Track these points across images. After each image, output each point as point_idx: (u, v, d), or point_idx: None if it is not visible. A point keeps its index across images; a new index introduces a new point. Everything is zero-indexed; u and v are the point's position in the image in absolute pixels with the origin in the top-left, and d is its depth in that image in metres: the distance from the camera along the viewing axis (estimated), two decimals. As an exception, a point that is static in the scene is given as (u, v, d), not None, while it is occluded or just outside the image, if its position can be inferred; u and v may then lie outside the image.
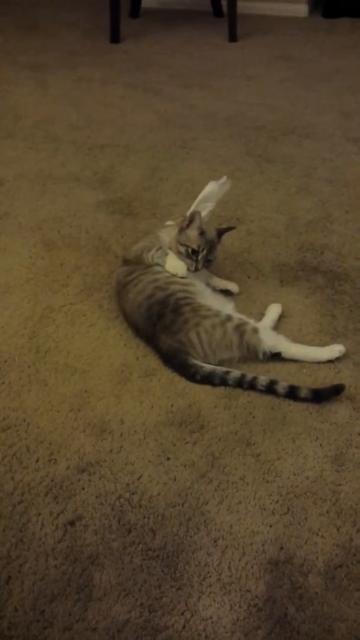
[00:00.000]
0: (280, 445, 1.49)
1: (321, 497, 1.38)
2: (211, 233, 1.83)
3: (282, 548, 1.29)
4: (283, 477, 1.42)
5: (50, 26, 4.22)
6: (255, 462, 1.45)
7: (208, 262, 1.83)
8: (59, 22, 4.31)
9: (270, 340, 1.68)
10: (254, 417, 1.55)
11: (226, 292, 1.92)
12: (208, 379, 1.62)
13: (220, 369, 1.63)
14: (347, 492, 1.39)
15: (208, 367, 1.64)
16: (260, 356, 1.67)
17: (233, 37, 3.95)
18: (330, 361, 1.69)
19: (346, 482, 1.41)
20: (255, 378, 1.60)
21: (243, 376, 1.61)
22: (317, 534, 1.32)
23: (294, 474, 1.43)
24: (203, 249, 1.79)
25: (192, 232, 1.79)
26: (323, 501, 1.37)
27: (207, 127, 2.93)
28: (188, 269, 1.79)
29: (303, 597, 1.22)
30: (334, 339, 1.76)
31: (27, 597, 1.22)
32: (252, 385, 1.60)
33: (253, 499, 1.38)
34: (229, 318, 1.69)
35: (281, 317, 1.82)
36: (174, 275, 1.77)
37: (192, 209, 1.88)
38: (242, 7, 4.00)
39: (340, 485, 1.41)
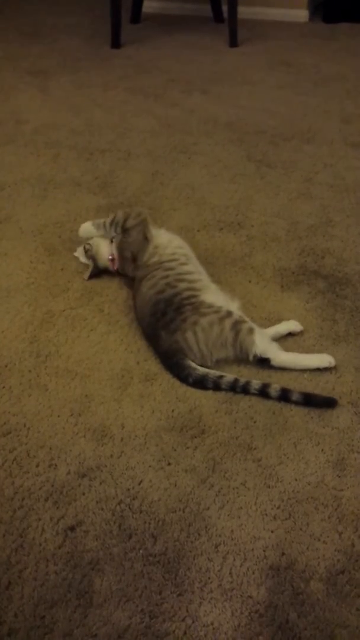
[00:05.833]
0: (281, 450, 1.49)
1: (323, 502, 1.38)
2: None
3: (283, 554, 1.29)
4: (284, 483, 1.42)
5: (51, 32, 4.23)
6: (256, 467, 1.45)
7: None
8: (60, 27, 4.32)
9: (263, 344, 1.67)
10: (255, 422, 1.55)
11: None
12: (200, 383, 1.62)
13: (214, 373, 1.62)
14: (348, 498, 1.38)
15: (201, 370, 1.63)
16: (251, 358, 1.66)
17: (234, 42, 3.96)
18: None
19: (348, 488, 1.41)
20: (248, 382, 1.59)
21: (236, 380, 1.60)
22: (319, 540, 1.31)
23: (296, 479, 1.42)
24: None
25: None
26: (325, 507, 1.37)
27: (208, 132, 2.93)
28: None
29: (305, 603, 1.21)
30: (335, 343, 1.76)
31: (27, 603, 1.21)
32: (245, 389, 1.60)
33: (254, 504, 1.37)
34: (229, 314, 1.68)
35: (282, 322, 1.81)
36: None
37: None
38: (242, 12, 4.01)
39: (342, 490, 1.40)
